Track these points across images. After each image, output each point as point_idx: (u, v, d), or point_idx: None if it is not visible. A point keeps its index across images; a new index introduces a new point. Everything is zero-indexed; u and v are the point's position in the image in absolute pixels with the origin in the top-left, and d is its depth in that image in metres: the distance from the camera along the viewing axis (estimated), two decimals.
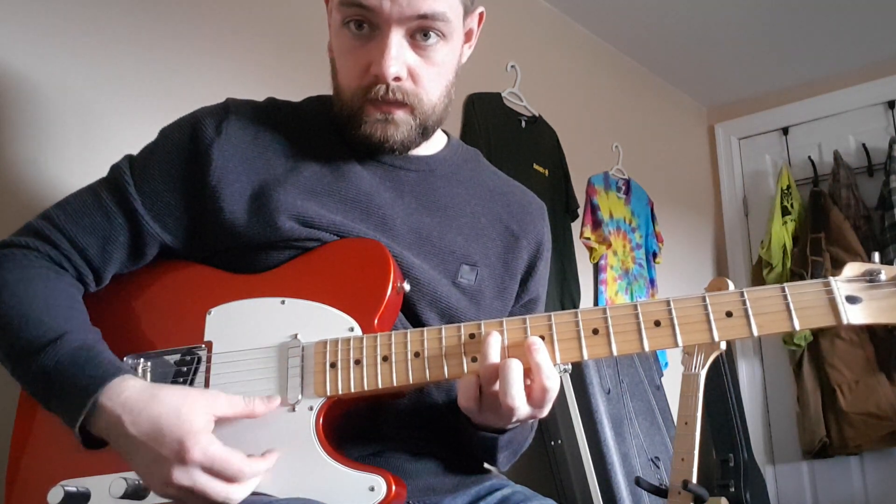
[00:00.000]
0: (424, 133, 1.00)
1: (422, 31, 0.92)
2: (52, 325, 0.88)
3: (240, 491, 0.81)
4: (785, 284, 0.80)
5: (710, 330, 0.80)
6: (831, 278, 0.80)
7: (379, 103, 0.94)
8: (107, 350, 0.89)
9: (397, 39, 0.91)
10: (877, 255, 0.81)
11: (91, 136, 1.47)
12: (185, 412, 0.80)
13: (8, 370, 0.91)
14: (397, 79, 0.93)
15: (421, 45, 0.93)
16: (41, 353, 0.85)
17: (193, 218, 0.98)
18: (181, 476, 0.79)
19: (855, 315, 0.78)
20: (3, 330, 0.89)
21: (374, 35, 0.93)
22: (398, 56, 0.91)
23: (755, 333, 0.79)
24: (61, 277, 0.96)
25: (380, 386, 0.86)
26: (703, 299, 0.81)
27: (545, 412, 0.87)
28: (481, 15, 1.05)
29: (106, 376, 0.83)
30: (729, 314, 0.80)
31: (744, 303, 0.80)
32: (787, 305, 0.79)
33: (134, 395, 0.82)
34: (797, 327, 0.78)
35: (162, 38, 1.63)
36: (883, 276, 0.78)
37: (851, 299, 0.79)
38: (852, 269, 0.80)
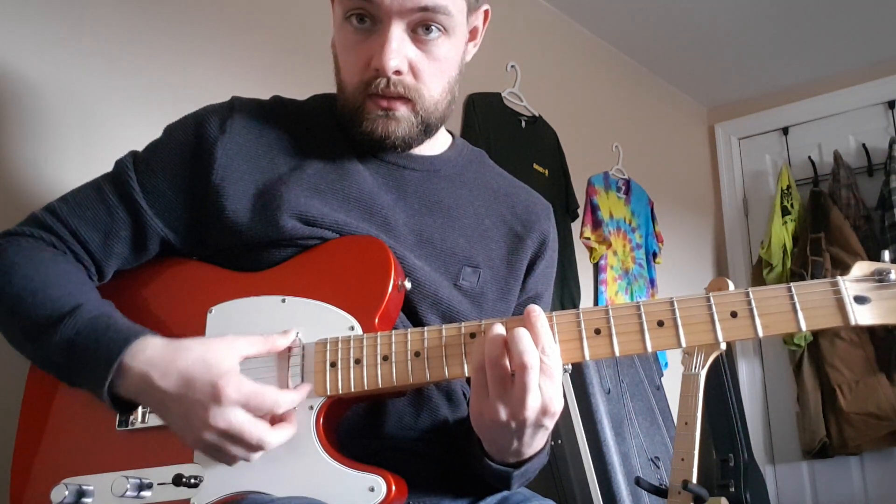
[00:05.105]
0: (427, 130, 0.99)
1: (423, 24, 0.92)
2: (67, 299, 0.89)
3: (273, 435, 0.82)
4: (791, 284, 0.78)
5: (715, 330, 0.79)
6: (839, 278, 0.78)
7: (379, 97, 0.93)
8: (124, 317, 0.90)
9: (398, 33, 0.90)
10: (886, 255, 0.79)
11: (93, 136, 1.46)
12: (211, 357, 0.82)
13: (25, 350, 0.91)
14: (398, 72, 0.92)
15: (422, 39, 0.93)
16: (60, 325, 0.86)
17: (195, 216, 0.98)
18: (217, 417, 0.79)
19: (863, 315, 0.77)
20: (17, 308, 0.89)
21: (376, 29, 0.92)
22: (398, 49, 0.91)
23: (760, 334, 0.77)
24: (67, 259, 0.97)
25: (380, 385, 0.85)
26: (708, 299, 0.79)
27: (557, 397, 0.79)
28: (486, 13, 1.03)
29: (128, 338, 0.84)
30: (734, 314, 0.78)
31: (749, 303, 0.78)
32: (794, 305, 0.78)
33: (157, 352, 0.83)
34: (804, 328, 0.77)
35: (165, 37, 1.62)
36: (892, 276, 0.76)
37: (860, 299, 0.77)
38: (861, 268, 0.78)
